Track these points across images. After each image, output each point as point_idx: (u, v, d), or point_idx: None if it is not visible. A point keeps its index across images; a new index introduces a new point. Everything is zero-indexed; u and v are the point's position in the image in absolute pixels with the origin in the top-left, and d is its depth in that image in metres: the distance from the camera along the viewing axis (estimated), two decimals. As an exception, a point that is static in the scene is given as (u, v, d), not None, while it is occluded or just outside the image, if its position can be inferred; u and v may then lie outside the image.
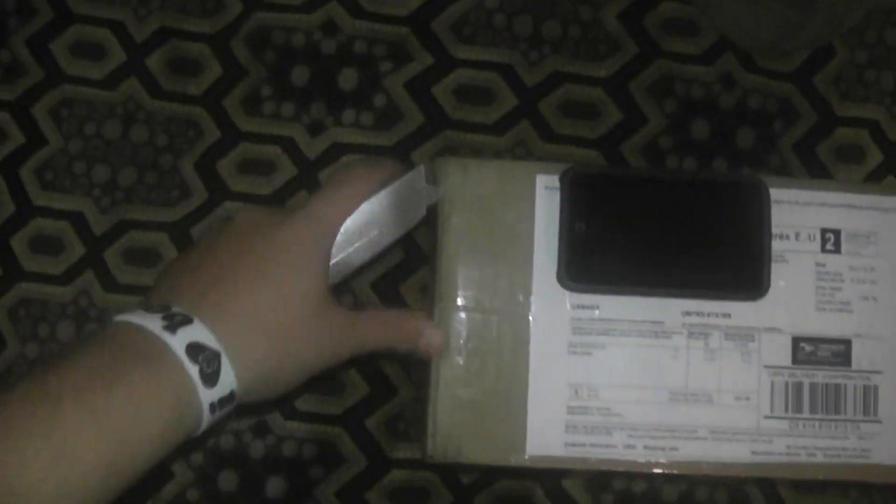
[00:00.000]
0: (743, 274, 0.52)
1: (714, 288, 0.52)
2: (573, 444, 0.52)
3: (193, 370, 0.41)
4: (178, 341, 0.41)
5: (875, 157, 0.75)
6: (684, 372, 0.52)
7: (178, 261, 0.47)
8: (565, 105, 0.74)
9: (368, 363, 0.71)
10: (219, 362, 0.42)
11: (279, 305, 0.44)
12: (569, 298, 0.52)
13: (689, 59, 0.75)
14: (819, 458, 0.53)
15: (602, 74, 0.75)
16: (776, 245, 0.53)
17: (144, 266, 0.72)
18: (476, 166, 0.53)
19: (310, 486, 0.71)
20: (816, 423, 0.53)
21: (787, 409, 0.53)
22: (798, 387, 0.53)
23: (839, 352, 0.53)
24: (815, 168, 0.74)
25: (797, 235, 0.54)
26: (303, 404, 0.71)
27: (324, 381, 0.66)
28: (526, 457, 0.52)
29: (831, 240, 0.54)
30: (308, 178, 0.73)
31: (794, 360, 0.53)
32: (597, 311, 0.52)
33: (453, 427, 0.52)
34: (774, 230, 0.53)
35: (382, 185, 0.50)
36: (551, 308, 0.52)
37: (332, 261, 0.49)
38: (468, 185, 0.53)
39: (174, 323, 0.41)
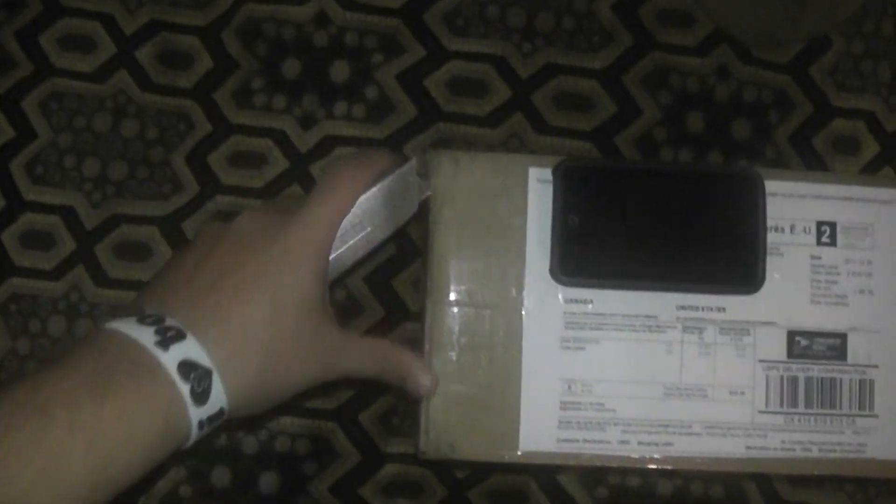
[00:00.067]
0: (738, 267, 0.52)
1: (708, 282, 0.52)
2: (566, 440, 0.52)
3: (184, 388, 0.40)
4: (170, 358, 0.41)
5: (871, 149, 0.75)
6: (678, 366, 0.52)
7: (174, 264, 0.46)
8: (559, 97, 0.74)
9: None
10: (210, 380, 0.41)
11: (273, 322, 0.44)
12: (562, 292, 0.52)
13: (684, 50, 0.75)
14: (814, 452, 0.53)
15: (596, 66, 0.74)
16: (771, 238, 0.52)
17: (136, 260, 0.72)
18: (468, 159, 0.52)
19: (303, 482, 0.71)
20: (812, 418, 0.53)
21: (782, 404, 0.52)
22: (793, 381, 0.53)
23: (835, 346, 0.53)
24: (811, 159, 0.74)
25: (792, 228, 0.53)
26: (296, 399, 0.71)
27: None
28: (519, 453, 0.52)
29: (827, 232, 0.53)
30: (300, 170, 0.73)
31: (790, 354, 0.53)
32: (590, 306, 0.52)
33: (446, 423, 0.51)
34: (770, 223, 0.52)
35: (375, 181, 0.50)
36: (544, 302, 0.52)
37: None
38: (460, 178, 0.52)
39: (167, 338, 0.41)
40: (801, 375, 0.53)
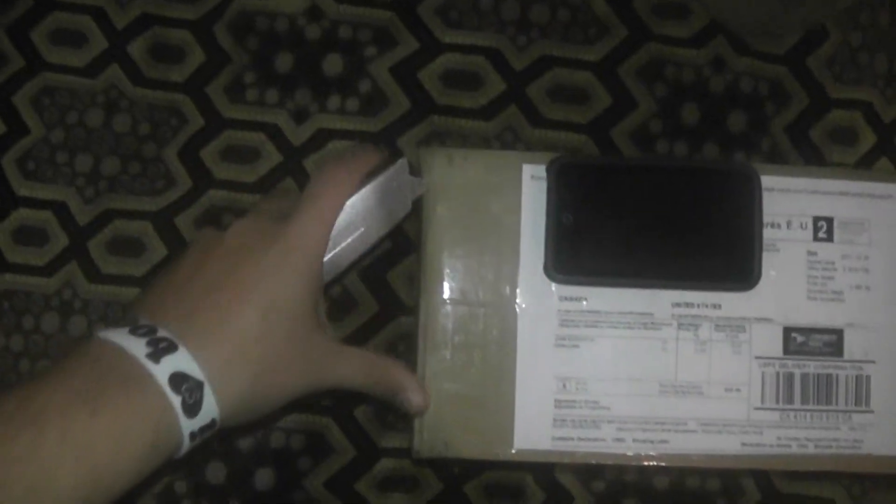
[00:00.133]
0: (733, 264, 0.51)
1: (704, 278, 0.51)
2: (561, 438, 0.51)
3: (176, 401, 0.41)
4: (161, 371, 0.41)
5: (868, 140, 0.75)
6: (674, 364, 0.52)
7: (167, 274, 0.47)
8: (554, 90, 0.73)
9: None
10: (201, 392, 0.42)
11: (265, 333, 0.44)
12: (556, 290, 0.52)
13: (680, 42, 0.74)
14: (810, 449, 0.52)
15: (591, 58, 0.74)
16: (767, 234, 0.52)
17: (129, 256, 0.72)
18: (461, 156, 0.52)
19: (298, 478, 0.70)
20: (808, 414, 0.53)
21: (777, 401, 0.52)
22: (789, 377, 0.52)
23: (831, 342, 0.53)
24: (807, 151, 0.74)
25: (789, 224, 0.53)
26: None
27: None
28: (513, 451, 0.51)
29: (824, 228, 0.53)
30: (293, 164, 0.72)
31: (786, 351, 0.53)
32: (584, 303, 0.52)
33: (440, 421, 0.51)
34: (766, 218, 0.52)
35: (367, 179, 0.49)
36: (538, 300, 0.52)
37: None
38: (453, 175, 0.52)
39: (159, 350, 0.41)
40: (797, 372, 0.52)
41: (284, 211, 0.48)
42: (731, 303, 0.52)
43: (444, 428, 0.51)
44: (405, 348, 0.70)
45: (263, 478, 0.70)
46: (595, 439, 0.51)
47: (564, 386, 0.51)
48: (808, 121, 0.74)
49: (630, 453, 0.52)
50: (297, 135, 0.72)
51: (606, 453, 0.52)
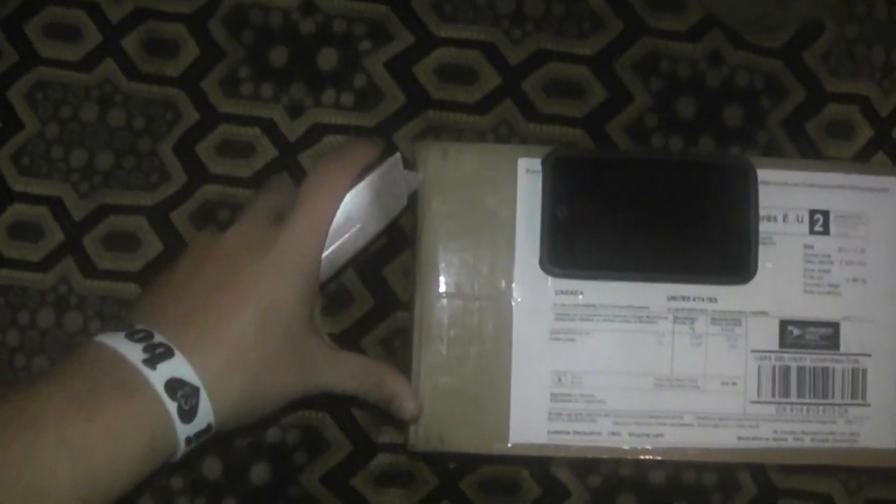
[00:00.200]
0: (729, 257, 0.51)
1: (700, 272, 0.51)
2: (556, 432, 0.51)
3: (172, 406, 0.41)
4: (157, 377, 0.41)
5: (865, 133, 0.74)
6: (670, 357, 0.52)
7: (164, 277, 0.47)
8: (549, 84, 0.73)
9: (351, 343, 0.70)
10: (197, 398, 0.42)
11: (261, 338, 0.44)
12: (552, 284, 0.51)
13: (675, 36, 0.74)
14: (806, 442, 0.52)
15: (586, 52, 0.73)
16: (763, 227, 0.52)
17: (124, 251, 0.71)
18: (456, 150, 0.52)
19: (294, 473, 0.70)
20: (804, 408, 0.52)
21: (773, 394, 0.52)
22: (785, 371, 0.52)
23: (827, 335, 0.53)
24: (804, 145, 0.73)
25: (785, 217, 0.53)
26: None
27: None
28: (509, 445, 0.51)
29: (820, 221, 0.53)
30: (289, 159, 0.72)
31: (782, 344, 0.52)
32: (580, 297, 0.52)
33: (435, 416, 0.51)
34: (762, 212, 0.52)
35: (361, 175, 0.49)
36: (534, 294, 0.51)
37: None
38: (448, 169, 0.52)
39: (155, 355, 0.41)
40: (794, 365, 0.52)
41: (280, 208, 0.48)
42: (727, 296, 0.52)
43: (439, 422, 0.51)
44: (401, 343, 0.70)
45: (259, 473, 0.70)
46: (591, 433, 0.51)
47: (560, 380, 0.51)
48: (804, 114, 0.74)
49: (626, 447, 0.52)
50: (293, 129, 0.72)
51: (602, 447, 0.52)
